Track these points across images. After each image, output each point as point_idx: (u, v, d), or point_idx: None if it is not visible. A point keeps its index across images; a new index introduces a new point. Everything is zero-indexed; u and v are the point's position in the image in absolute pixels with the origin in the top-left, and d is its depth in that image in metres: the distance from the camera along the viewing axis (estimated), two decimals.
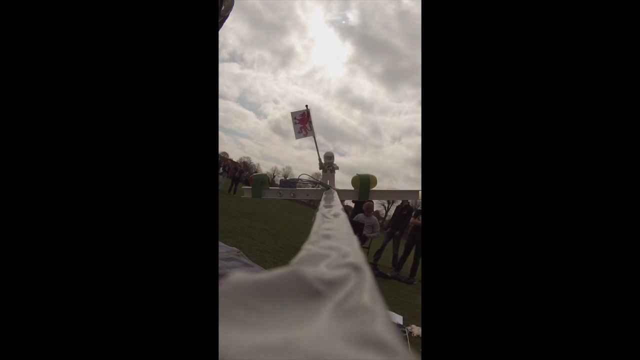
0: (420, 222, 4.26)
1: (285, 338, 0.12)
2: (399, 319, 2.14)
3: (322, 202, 0.65)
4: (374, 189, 1.17)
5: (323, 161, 1.24)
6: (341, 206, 0.61)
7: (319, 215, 0.46)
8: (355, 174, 1.19)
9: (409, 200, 4.73)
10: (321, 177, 1.24)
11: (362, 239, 4.07)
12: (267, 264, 2.38)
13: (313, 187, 1.18)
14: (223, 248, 1.56)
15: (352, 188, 1.20)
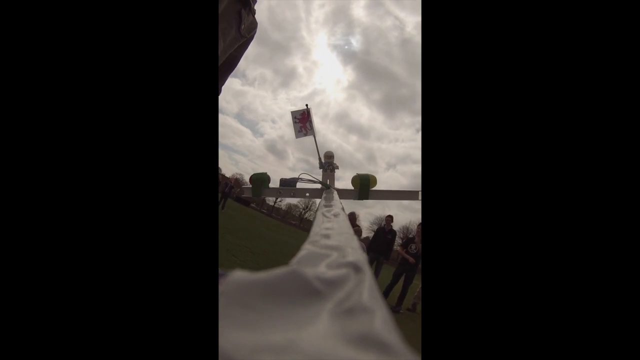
0: (406, 254, 4.10)
1: (285, 338, 0.12)
2: None
3: (322, 202, 0.65)
4: (373, 189, 1.18)
5: (323, 160, 1.24)
6: (341, 206, 0.61)
7: (319, 214, 0.47)
8: (355, 174, 1.19)
9: (392, 224, 4.55)
10: (321, 176, 1.23)
11: None
12: None
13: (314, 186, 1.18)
14: None
15: (352, 188, 1.20)
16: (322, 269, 0.20)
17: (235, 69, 0.95)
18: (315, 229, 0.36)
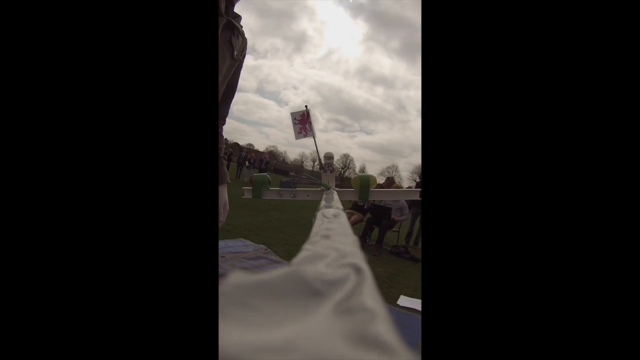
0: None
1: (285, 338, 0.12)
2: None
3: (323, 202, 0.65)
4: (373, 189, 1.19)
5: (323, 162, 1.24)
6: (341, 206, 0.61)
7: (319, 215, 0.46)
8: (356, 175, 1.20)
9: None
10: (321, 177, 1.24)
11: (392, 223, 3.85)
12: None
13: (314, 187, 1.18)
14: (250, 247, 1.53)
15: (353, 188, 1.21)
16: (322, 270, 0.20)
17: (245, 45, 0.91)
18: (316, 229, 0.36)
